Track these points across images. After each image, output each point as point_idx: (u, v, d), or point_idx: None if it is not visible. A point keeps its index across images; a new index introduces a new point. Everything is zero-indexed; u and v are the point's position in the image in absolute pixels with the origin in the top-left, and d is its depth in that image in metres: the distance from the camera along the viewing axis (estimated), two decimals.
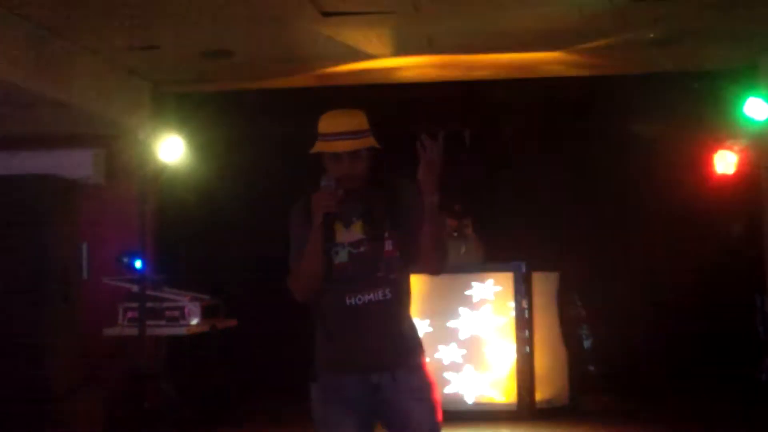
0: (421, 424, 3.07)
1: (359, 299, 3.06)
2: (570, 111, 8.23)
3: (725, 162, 7.43)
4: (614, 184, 8.27)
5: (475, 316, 7.18)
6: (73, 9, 5.93)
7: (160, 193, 7.91)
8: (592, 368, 7.98)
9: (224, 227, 8.31)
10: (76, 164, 7.28)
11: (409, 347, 3.13)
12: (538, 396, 7.16)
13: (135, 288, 6.72)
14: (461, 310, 7.19)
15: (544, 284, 7.38)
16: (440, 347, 7.14)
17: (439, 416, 3.12)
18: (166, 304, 6.85)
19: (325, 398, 3.10)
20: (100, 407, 5.81)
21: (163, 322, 6.80)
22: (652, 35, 6.77)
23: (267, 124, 8.24)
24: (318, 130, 3.13)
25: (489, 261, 7.59)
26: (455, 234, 7.63)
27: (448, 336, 7.15)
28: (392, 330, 3.09)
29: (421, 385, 3.10)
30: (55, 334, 5.53)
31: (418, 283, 6.39)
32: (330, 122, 3.12)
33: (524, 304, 7.13)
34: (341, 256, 3.09)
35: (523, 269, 7.15)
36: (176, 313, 6.82)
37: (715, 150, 7.41)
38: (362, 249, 3.08)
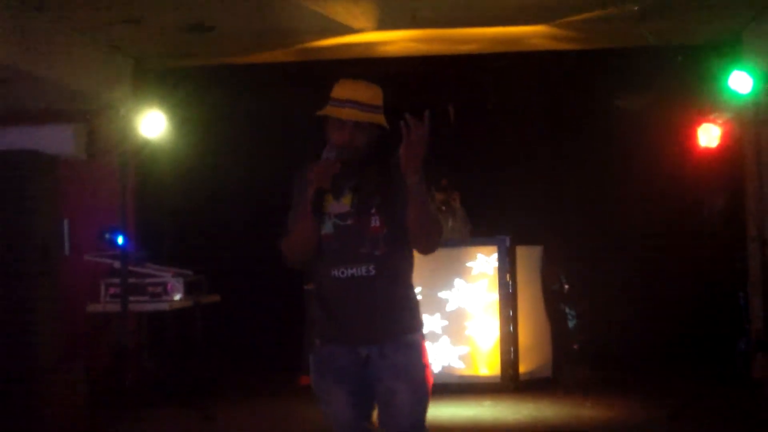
0: (402, 405, 3.06)
1: (343, 272, 3.06)
2: (554, 85, 8.21)
3: (709, 135, 7.42)
4: (598, 157, 8.26)
5: (460, 288, 7.20)
6: None
7: (142, 169, 7.86)
8: (576, 346, 8.01)
9: (206, 202, 8.27)
10: (56, 140, 7.21)
11: (400, 324, 3.11)
12: (522, 369, 7.20)
13: (117, 264, 6.69)
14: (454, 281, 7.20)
15: (527, 258, 7.40)
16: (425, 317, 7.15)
17: (426, 399, 3.11)
18: (148, 280, 6.84)
19: (320, 369, 3.13)
20: (82, 383, 5.79)
21: (145, 298, 6.78)
22: (636, 8, 6.74)
23: (249, 99, 8.19)
24: (331, 94, 3.13)
25: (475, 235, 7.60)
26: (443, 208, 7.64)
27: (434, 307, 7.16)
28: (379, 305, 3.07)
29: (408, 365, 3.08)
30: (36, 310, 5.50)
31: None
32: (343, 88, 3.11)
33: (508, 278, 7.15)
34: (327, 227, 3.10)
35: (507, 243, 7.16)
36: (159, 289, 6.80)
37: (698, 123, 7.40)
38: (348, 222, 3.08)
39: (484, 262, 7.23)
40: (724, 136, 7.38)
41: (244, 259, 8.36)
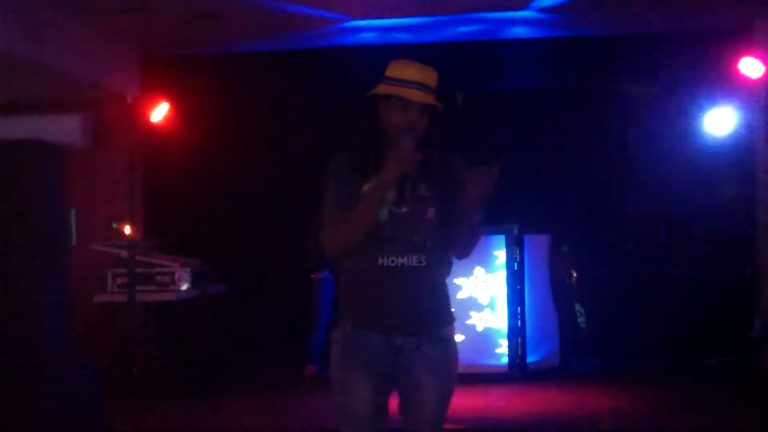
0: (430, 399, 3.02)
1: (393, 261, 2.96)
2: (564, 72, 8.15)
3: (719, 122, 7.37)
4: (607, 145, 8.21)
5: (478, 277, 7.18)
6: None
7: (149, 158, 7.85)
8: (583, 336, 7.99)
9: (214, 191, 8.27)
10: (63, 129, 7.21)
11: (439, 318, 3.07)
12: (529, 357, 7.18)
13: (124, 253, 6.68)
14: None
15: (535, 247, 7.37)
16: None
17: (452, 394, 3.09)
18: (156, 270, 6.83)
19: (345, 362, 2.99)
20: (89, 373, 5.79)
21: (153, 288, 6.78)
22: None
23: (256, 87, 8.17)
24: (387, 74, 3.02)
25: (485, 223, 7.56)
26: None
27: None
28: (423, 298, 3.02)
29: (440, 359, 3.03)
30: (43, 301, 5.49)
31: None
32: (406, 69, 3.01)
33: (516, 267, 7.12)
34: (381, 214, 2.97)
35: (515, 232, 7.13)
36: (166, 279, 6.80)
37: (709, 110, 7.34)
38: (404, 209, 2.97)
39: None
40: (734, 123, 7.33)
41: (252, 249, 8.36)
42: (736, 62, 6.92)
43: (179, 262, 6.91)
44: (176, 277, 6.80)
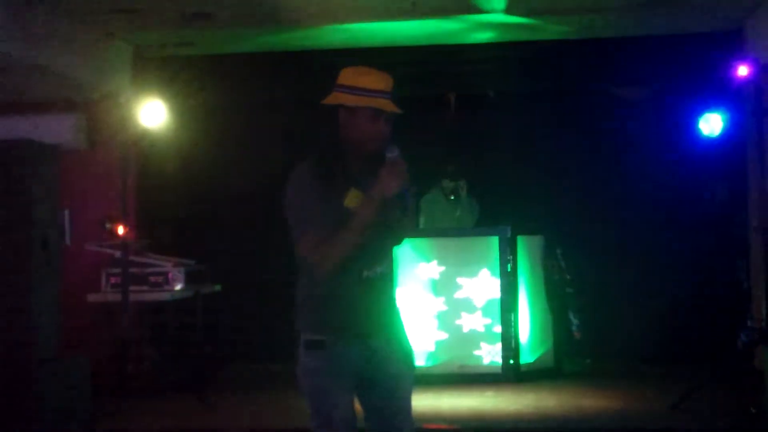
0: (407, 388, 3.12)
1: (373, 271, 3.02)
2: (557, 74, 8.18)
3: (711, 124, 7.40)
4: (600, 147, 8.25)
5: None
6: None
7: (142, 158, 7.85)
8: (577, 334, 8.00)
9: (207, 192, 8.27)
10: (56, 129, 7.20)
11: (399, 315, 3.17)
12: (523, 359, 7.20)
13: (118, 253, 6.68)
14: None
15: (529, 248, 7.39)
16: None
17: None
18: (149, 270, 6.84)
19: (331, 370, 2.99)
20: (83, 373, 5.78)
21: (146, 288, 6.78)
22: None
23: (249, 88, 8.17)
24: (348, 82, 2.99)
25: (476, 225, 7.61)
26: (452, 197, 7.63)
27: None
28: (391, 300, 3.14)
29: (407, 353, 3.15)
30: (37, 301, 5.49)
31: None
32: (370, 78, 2.98)
33: (509, 268, 7.14)
34: None
35: (508, 233, 7.15)
36: (160, 279, 6.80)
37: (701, 113, 7.38)
38: (378, 219, 2.98)
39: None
40: (725, 125, 7.37)
41: (246, 249, 8.36)
42: (727, 65, 6.95)
43: (173, 262, 6.92)
44: (170, 277, 6.80)
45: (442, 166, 7.83)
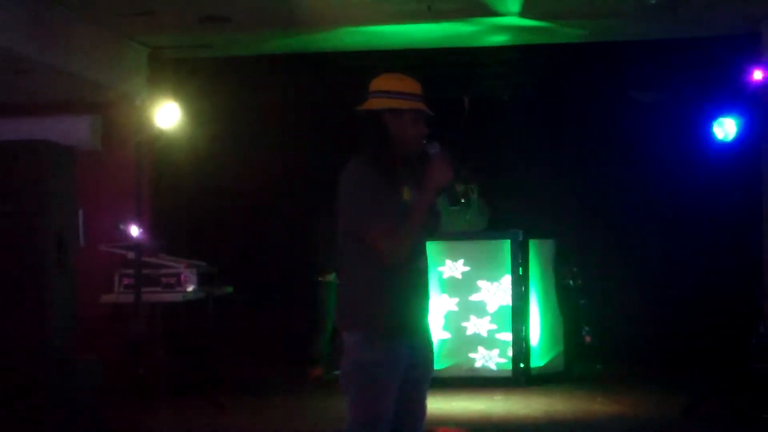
0: (426, 393, 3.21)
1: (422, 263, 3.16)
2: (571, 77, 8.17)
3: (725, 129, 7.37)
4: (614, 151, 8.23)
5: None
6: None
7: (157, 160, 7.90)
8: (588, 338, 7.98)
9: (221, 194, 8.31)
10: (72, 130, 7.22)
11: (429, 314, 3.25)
12: (533, 362, 7.19)
13: (131, 255, 6.71)
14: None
15: (540, 252, 7.39)
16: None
17: None
18: (162, 271, 6.86)
19: (387, 362, 3.03)
20: (96, 373, 5.82)
21: (159, 289, 6.80)
22: (653, 2, 6.69)
23: (264, 90, 8.20)
24: (388, 87, 3.13)
25: (490, 228, 7.61)
26: (462, 201, 7.62)
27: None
28: (428, 296, 3.22)
29: (433, 357, 3.25)
30: (51, 301, 5.53)
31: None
32: (414, 84, 3.17)
33: (520, 272, 7.14)
34: None
35: (520, 237, 7.15)
36: (173, 280, 6.82)
37: (715, 117, 7.36)
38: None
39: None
40: (740, 130, 7.34)
41: (258, 251, 8.40)
42: (743, 69, 6.92)
43: (185, 264, 6.94)
44: (182, 278, 6.83)
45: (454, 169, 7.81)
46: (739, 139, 7.36)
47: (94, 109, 7.57)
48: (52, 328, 5.52)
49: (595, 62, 7.97)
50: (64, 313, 5.66)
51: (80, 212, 6.45)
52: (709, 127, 7.40)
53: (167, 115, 6.99)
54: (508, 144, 8.38)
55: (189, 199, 8.19)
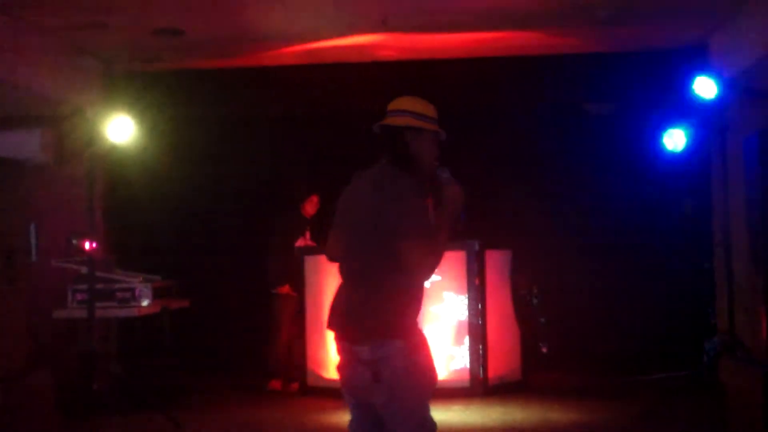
0: None
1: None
2: (521, 90, 8.24)
3: (674, 140, 7.50)
4: (568, 161, 8.33)
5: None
6: None
7: (110, 174, 7.83)
8: (544, 349, 8.04)
9: (174, 208, 8.27)
10: (23, 145, 7.13)
11: None
12: (491, 373, 7.22)
13: (84, 269, 6.64)
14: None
15: (496, 263, 7.43)
16: None
17: None
18: (116, 286, 6.79)
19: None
20: (49, 389, 5.74)
21: (113, 304, 6.73)
22: (602, 12, 6.79)
23: (218, 104, 8.18)
24: (411, 108, 3.27)
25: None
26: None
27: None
28: None
29: None
30: (2, 317, 5.44)
31: None
32: (426, 107, 3.32)
33: (477, 282, 7.18)
34: None
35: (476, 247, 7.18)
36: (127, 295, 6.76)
37: (665, 128, 7.48)
38: None
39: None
40: (689, 141, 7.47)
41: (214, 264, 8.35)
42: (692, 80, 7.04)
43: (140, 278, 6.88)
44: (137, 293, 6.77)
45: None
46: (689, 150, 7.49)
47: (45, 122, 7.48)
48: (3, 345, 5.43)
49: (546, 75, 8.05)
50: (15, 328, 5.58)
51: (32, 227, 6.38)
52: (659, 138, 7.53)
53: (121, 128, 6.93)
54: (464, 155, 8.41)
55: (143, 213, 8.13)
